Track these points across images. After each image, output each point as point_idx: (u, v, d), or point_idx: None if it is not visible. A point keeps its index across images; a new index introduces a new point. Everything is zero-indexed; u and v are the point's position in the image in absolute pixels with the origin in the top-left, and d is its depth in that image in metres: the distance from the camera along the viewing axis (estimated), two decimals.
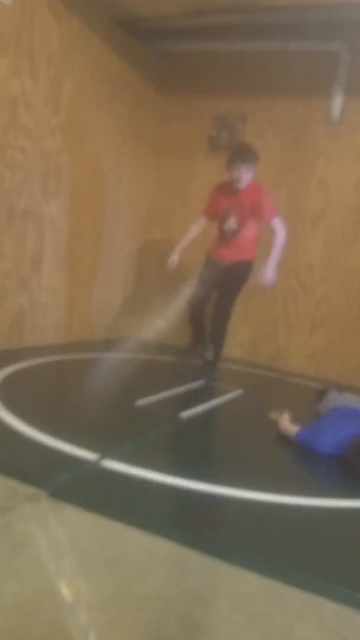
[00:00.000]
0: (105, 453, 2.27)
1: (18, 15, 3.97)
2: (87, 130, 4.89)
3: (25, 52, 4.09)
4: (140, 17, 4.88)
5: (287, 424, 2.98)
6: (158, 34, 5.18)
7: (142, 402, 3.27)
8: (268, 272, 4.28)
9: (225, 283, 4.42)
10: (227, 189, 4.40)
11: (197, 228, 4.58)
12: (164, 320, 4.88)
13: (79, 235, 5.02)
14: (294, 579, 1.58)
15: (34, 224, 4.46)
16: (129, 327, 5.64)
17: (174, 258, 4.48)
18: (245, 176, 4.24)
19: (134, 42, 5.24)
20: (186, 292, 4.55)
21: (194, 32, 5.04)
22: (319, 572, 1.65)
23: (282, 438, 2.93)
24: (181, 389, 3.82)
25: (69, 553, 1.55)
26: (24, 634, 1.23)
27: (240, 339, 5.48)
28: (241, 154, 4.31)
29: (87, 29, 4.64)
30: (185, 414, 3.16)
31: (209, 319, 4.61)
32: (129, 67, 5.31)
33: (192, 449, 2.75)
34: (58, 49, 4.38)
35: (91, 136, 4.96)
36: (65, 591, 1.38)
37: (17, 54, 4.01)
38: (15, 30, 3.97)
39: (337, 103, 5.09)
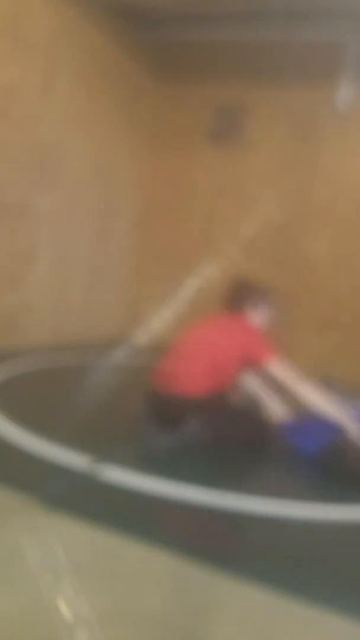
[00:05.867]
0: (102, 461, 2.11)
1: (11, 3, 3.80)
2: (82, 121, 4.70)
3: (18, 42, 3.91)
4: (137, 4, 4.70)
5: (273, 404, 2.86)
6: (156, 22, 5.00)
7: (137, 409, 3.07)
8: None
9: None
10: None
11: None
12: (163, 321, 4.65)
13: (74, 232, 4.83)
14: (298, 593, 1.44)
15: (26, 220, 4.26)
16: (128, 327, 5.42)
17: None
18: None
19: (131, 31, 5.05)
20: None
21: (194, 20, 4.86)
22: (323, 585, 1.51)
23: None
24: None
25: (63, 566, 1.43)
26: None
27: None
28: None
29: (81, 18, 4.46)
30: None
31: None
32: (126, 57, 5.12)
33: (191, 457, 2.56)
34: (52, 38, 4.20)
35: (86, 128, 4.77)
36: (60, 606, 1.26)
37: (9, 43, 3.84)
38: (7, 19, 3.80)
39: (345, 95, 4.90)
